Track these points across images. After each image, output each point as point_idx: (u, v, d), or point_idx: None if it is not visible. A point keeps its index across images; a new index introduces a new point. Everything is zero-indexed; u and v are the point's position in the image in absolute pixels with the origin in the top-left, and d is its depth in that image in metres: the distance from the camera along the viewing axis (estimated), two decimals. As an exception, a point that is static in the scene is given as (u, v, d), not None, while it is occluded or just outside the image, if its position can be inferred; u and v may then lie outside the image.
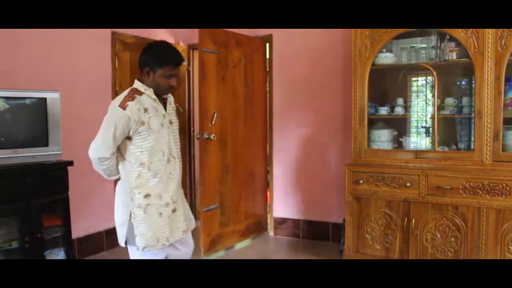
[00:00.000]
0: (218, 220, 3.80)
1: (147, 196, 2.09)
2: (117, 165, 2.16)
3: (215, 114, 3.68)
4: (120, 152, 2.12)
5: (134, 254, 2.15)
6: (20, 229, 2.79)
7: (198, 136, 3.63)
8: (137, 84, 2.11)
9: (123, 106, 2.00)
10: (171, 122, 2.18)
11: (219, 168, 3.81)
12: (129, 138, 2.07)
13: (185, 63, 2.15)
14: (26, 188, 2.77)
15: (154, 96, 2.10)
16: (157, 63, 2.05)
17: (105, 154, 2.07)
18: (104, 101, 3.87)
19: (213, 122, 3.65)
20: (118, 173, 2.19)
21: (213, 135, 3.62)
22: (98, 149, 2.07)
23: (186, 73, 4.66)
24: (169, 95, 2.23)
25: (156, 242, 2.09)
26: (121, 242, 2.18)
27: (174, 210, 2.16)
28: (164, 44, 2.14)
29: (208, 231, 3.65)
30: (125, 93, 2.07)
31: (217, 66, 3.73)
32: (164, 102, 2.19)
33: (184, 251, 2.31)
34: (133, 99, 2.02)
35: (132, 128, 2.02)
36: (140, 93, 2.07)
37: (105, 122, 2.07)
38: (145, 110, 2.03)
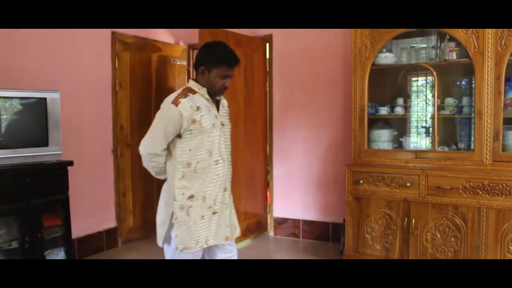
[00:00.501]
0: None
1: (190, 197, 2.06)
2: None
3: None
4: (168, 150, 2.10)
5: (170, 254, 2.13)
6: (20, 229, 2.79)
7: None
8: (191, 83, 2.11)
9: (175, 102, 1.99)
10: (223, 124, 2.14)
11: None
12: (179, 136, 2.05)
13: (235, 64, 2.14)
14: (26, 188, 2.77)
15: (208, 96, 2.08)
16: (213, 62, 2.04)
17: (156, 150, 2.05)
18: (104, 101, 3.88)
19: None
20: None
21: None
22: (149, 145, 2.07)
23: (186, 73, 4.67)
24: (223, 98, 2.22)
25: (195, 245, 2.06)
26: (160, 242, 2.15)
27: (214, 213, 2.11)
28: (221, 44, 2.13)
29: None
30: (179, 91, 2.08)
31: None
32: (217, 104, 2.16)
33: None
34: (186, 97, 2.02)
35: (183, 125, 2.00)
36: (194, 92, 2.06)
37: (157, 118, 2.06)
38: (198, 108, 2.02)
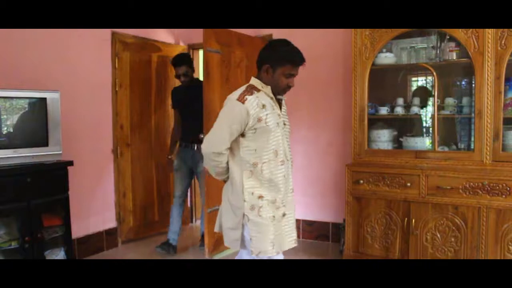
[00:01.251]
0: (222, 221, 3.77)
1: (260, 197, 1.98)
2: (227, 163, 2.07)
3: None
4: (231, 149, 2.02)
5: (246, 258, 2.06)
6: (20, 229, 2.79)
7: (202, 136, 3.61)
8: (254, 81, 2.05)
9: (241, 100, 1.93)
10: (284, 124, 2.09)
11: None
12: (242, 134, 1.98)
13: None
14: (26, 188, 2.77)
15: (271, 95, 2.02)
16: (278, 61, 1.97)
17: (220, 149, 1.97)
18: (104, 101, 3.88)
19: None
20: (227, 173, 2.08)
21: None
22: (213, 143, 1.98)
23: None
24: (283, 97, 2.14)
25: (271, 248, 1.98)
26: (235, 246, 2.06)
27: (284, 215, 2.05)
28: (286, 42, 2.06)
29: (212, 233, 3.60)
30: (243, 88, 2.01)
31: (221, 65, 3.70)
32: (279, 103, 2.09)
33: None
34: (251, 94, 1.96)
35: (249, 123, 1.93)
36: (257, 90, 2.00)
37: (222, 116, 1.99)
38: (263, 106, 1.95)
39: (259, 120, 1.94)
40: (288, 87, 2.03)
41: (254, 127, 1.95)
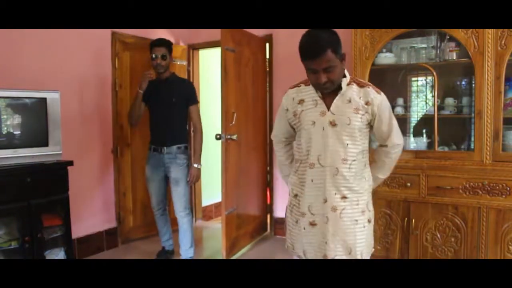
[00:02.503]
0: (235, 223, 3.76)
1: (295, 196, 1.91)
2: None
3: (234, 114, 3.64)
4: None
5: None
6: (20, 229, 2.79)
7: (218, 136, 3.53)
8: None
9: (287, 91, 1.93)
10: (333, 124, 1.80)
11: (236, 169, 3.76)
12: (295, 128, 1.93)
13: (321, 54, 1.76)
14: (26, 188, 2.77)
15: (315, 89, 1.84)
16: (300, 55, 1.77)
17: (273, 136, 2.06)
18: (104, 101, 3.88)
19: (233, 122, 3.59)
20: (287, 172, 2.06)
21: (235, 135, 3.57)
22: (273, 131, 2.07)
23: (186, 73, 4.66)
24: (368, 89, 1.94)
25: (291, 248, 1.95)
26: None
27: (312, 224, 1.84)
28: (306, 32, 1.80)
29: (228, 235, 3.61)
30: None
31: (235, 64, 3.69)
32: (332, 98, 1.83)
33: None
34: (294, 87, 1.92)
35: (289, 117, 1.90)
36: (309, 83, 1.86)
37: None
38: (300, 101, 1.84)
39: (295, 115, 1.87)
40: (317, 84, 1.76)
41: (294, 122, 1.90)
